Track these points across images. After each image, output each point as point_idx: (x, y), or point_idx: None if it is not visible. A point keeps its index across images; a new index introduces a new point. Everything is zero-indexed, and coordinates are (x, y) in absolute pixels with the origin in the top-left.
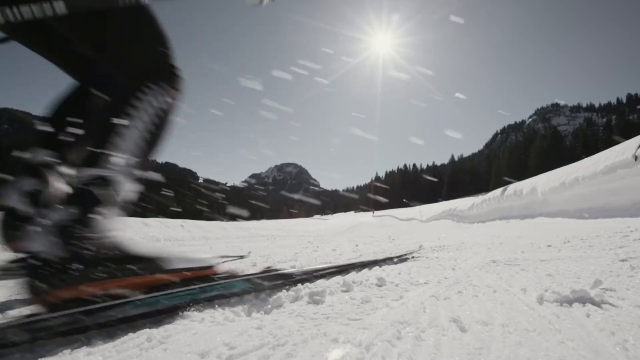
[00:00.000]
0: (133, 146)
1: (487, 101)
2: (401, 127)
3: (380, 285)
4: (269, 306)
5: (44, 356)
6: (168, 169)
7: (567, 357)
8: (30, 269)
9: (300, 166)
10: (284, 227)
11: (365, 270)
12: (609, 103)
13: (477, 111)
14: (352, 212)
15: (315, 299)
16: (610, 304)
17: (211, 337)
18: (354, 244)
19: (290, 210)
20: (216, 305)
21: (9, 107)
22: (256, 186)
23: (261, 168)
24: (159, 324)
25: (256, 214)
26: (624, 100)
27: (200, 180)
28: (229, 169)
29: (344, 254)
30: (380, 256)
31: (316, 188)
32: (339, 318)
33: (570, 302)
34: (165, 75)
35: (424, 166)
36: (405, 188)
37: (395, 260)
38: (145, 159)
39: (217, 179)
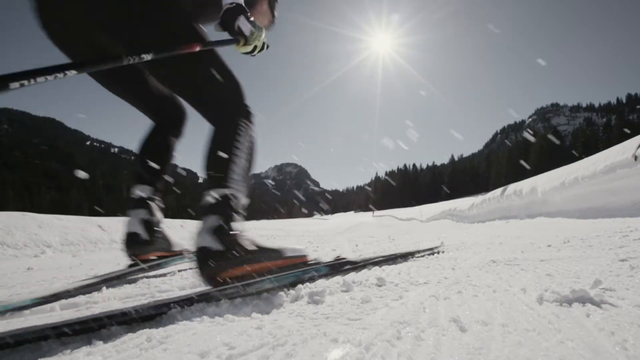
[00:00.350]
0: (244, 169)
1: (487, 101)
2: (401, 126)
3: (380, 285)
4: (269, 306)
5: (43, 356)
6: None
7: (567, 356)
8: (201, 259)
9: (300, 166)
10: (283, 227)
11: (365, 270)
12: (609, 103)
13: (477, 111)
14: (352, 212)
15: (315, 299)
16: (610, 304)
17: (211, 337)
18: (354, 243)
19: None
20: (216, 305)
21: (9, 107)
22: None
23: (261, 168)
24: (159, 324)
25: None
26: (624, 100)
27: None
28: None
29: (344, 254)
30: (412, 249)
31: (316, 188)
32: (338, 318)
33: (570, 302)
34: (245, 112)
35: (424, 166)
36: (405, 188)
37: (423, 254)
38: (249, 178)
39: None
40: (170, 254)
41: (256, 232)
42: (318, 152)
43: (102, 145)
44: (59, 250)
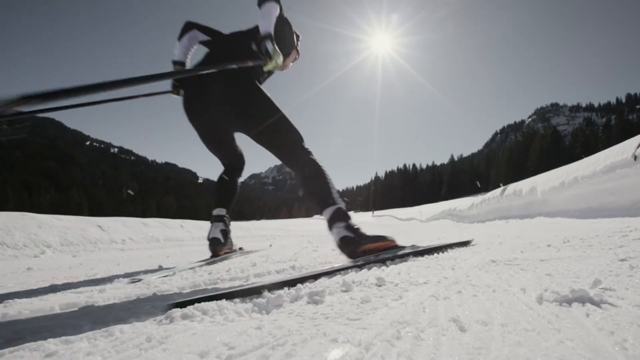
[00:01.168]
0: (334, 188)
1: (487, 101)
2: (401, 126)
3: (379, 285)
4: (269, 306)
5: (43, 356)
6: (168, 169)
7: (567, 356)
8: (344, 244)
9: None
10: (283, 227)
11: (365, 270)
12: (609, 103)
13: (477, 111)
14: (351, 212)
15: (314, 299)
16: (610, 304)
17: (210, 337)
18: None
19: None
20: (216, 305)
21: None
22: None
23: (261, 168)
24: (159, 324)
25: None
26: (624, 100)
27: (200, 180)
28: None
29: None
30: (451, 240)
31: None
32: (338, 318)
33: (569, 302)
34: (307, 152)
35: (424, 166)
36: (405, 188)
37: (454, 247)
38: (337, 192)
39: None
40: (232, 251)
41: (256, 232)
42: (318, 152)
43: (102, 145)
44: (58, 250)
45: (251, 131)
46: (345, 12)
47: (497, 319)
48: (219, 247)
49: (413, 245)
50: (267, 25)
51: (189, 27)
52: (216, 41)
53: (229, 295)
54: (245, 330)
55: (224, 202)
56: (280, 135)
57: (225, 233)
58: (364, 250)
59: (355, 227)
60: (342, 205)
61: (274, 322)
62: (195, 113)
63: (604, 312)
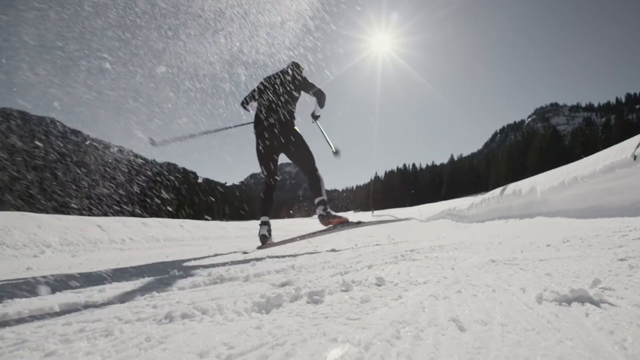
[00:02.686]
0: (324, 189)
1: (487, 101)
2: (401, 126)
3: (379, 285)
4: (268, 305)
5: (43, 356)
6: (169, 169)
7: (566, 356)
8: (321, 218)
9: None
10: (283, 226)
11: (365, 270)
12: (608, 103)
13: (476, 111)
14: (351, 212)
15: (314, 299)
16: (609, 303)
17: (210, 336)
18: (353, 243)
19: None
20: (215, 305)
21: (8, 107)
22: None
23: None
24: (159, 324)
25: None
26: (623, 100)
27: (200, 180)
28: (228, 169)
29: (343, 254)
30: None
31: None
32: (338, 318)
33: (569, 302)
34: (316, 168)
35: (424, 166)
36: (405, 187)
37: (395, 222)
38: (326, 192)
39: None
40: (273, 245)
41: (256, 232)
42: (317, 152)
43: (102, 145)
44: (58, 250)
45: (292, 155)
46: (345, 12)
47: (497, 319)
48: (266, 240)
49: (359, 222)
50: (322, 105)
51: (243, 106)
52: (263, 96)
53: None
54: (245, 330)
55: (267, 211)
56: (306, 159)
57: (269, 232)
58: (330, 222)
59: (327, 210)
60: (325, 198)
61: (274, 321)
62: (264, 138)
63: (604, 311)
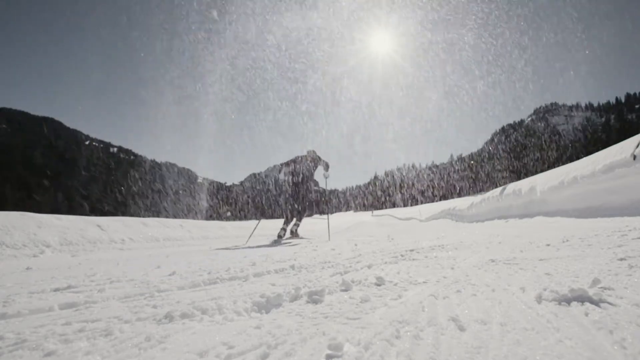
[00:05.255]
0: (303, 216)
1: (487, 101)
2: (401, 126)
3: (379, 285)
4: (268, 305)
5: (43, 356)
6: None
7: (566, 355)
8: (292, 233)
9: None
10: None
11: (365, 270)
12: (608, 102)
13: (476, 110)
14: (351, 212)
15: (314, 298)
16: (609, 303)
17: (210, 336)
18: (353, 243)
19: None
20: (215, 304)
21: (8, 106)
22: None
23: (260, 168)
24: (158, 323)
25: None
26: (623, 100)
27: (200, 180)
28: (228, 169)
29: (343, 254)
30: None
31: (315, 188)
32: (337, 317)
33: (568, 301)
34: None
35: (424, 165)
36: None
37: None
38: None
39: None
40: (297, 238)
41: (256, 232)
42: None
43: (102, 145)
44: (58, 250)
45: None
46: (345, 12)
47: (496, 318)
48: (280, 239)
49: (302, 237)
50: (328, 170)
51: (281, 166)
52: (295, 168)
53: None
54: (245, 330)
55: (287, 223)
56: (306, 208)
57: (284, 233)
58: (294, 236)
59: (297, 230)
60: (300, 222)
61: (274, 321)
62: (294, 192)
63: (603, 311)
